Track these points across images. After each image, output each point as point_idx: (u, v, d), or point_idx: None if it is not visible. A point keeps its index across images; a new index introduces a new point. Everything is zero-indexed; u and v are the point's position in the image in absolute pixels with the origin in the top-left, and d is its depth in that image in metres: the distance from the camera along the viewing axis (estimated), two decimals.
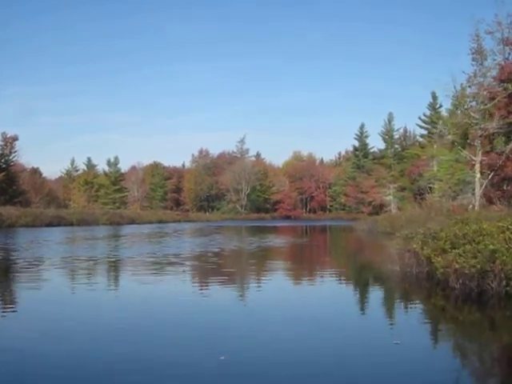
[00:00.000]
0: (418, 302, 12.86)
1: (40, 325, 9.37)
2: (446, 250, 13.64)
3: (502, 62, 34.88)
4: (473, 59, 35.00)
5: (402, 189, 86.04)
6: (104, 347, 7.97)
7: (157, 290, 13.73)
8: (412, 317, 10.68)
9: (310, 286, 14.93)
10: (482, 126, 33.70)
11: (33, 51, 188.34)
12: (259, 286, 14.70)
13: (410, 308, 11.99)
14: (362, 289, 14.94)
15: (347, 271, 19.44)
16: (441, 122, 54.33)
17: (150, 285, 14.52)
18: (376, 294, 14.07)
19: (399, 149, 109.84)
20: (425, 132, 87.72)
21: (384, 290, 14.50)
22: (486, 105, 34.60)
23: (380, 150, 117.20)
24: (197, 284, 15.46)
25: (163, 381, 6.45)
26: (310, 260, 24.32)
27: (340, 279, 16.75)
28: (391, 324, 9.99)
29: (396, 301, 12.98)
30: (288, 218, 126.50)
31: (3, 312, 10.56)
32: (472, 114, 34.72)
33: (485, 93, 34.65)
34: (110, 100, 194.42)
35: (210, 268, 18.49)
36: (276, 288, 14.22)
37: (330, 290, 14.04)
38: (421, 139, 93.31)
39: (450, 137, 40.90)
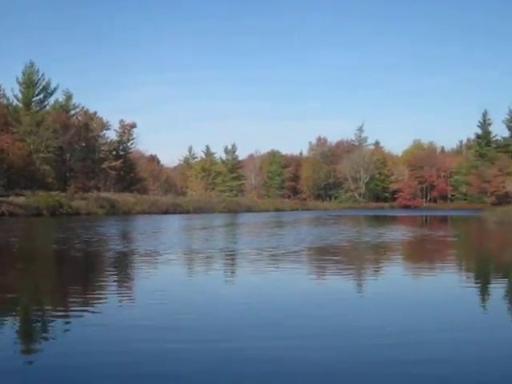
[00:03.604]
0: None
1: (157, 315, 8.72)
2: None
3: None
4: None
5: None
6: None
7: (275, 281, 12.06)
8: None
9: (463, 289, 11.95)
10: None
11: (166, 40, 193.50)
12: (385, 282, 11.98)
13: None
14: None
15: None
16: None
17: (266, 277, 13.07)
18: None
19: None
20: None
21: None
22: None
23: (504, 138, 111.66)
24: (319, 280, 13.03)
25: None
26: (454, 258, 21.03)
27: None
28: None
29: None
30: (407, 207, 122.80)
31: (120, 303, 9.95)
32: None
33: None
34: (226, 87, 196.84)
35: (331, 263, 16.02)
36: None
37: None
38: None
39: None
